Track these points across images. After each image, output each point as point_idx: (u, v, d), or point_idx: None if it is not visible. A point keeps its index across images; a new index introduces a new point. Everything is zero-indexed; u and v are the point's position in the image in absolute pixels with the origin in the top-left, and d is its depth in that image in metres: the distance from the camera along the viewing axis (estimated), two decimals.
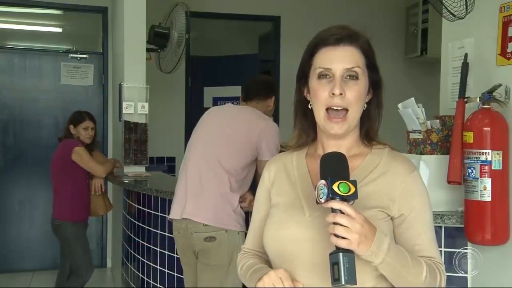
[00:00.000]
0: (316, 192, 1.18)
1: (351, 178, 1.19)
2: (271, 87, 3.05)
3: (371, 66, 1.37)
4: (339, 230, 1.14)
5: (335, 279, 1.13)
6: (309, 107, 1.39)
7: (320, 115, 1.34)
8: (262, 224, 1.43)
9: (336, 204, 1.15)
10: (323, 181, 1.17)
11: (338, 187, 1.15)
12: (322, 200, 1.17)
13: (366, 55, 1.36)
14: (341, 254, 1.14)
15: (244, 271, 1.45)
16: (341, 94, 1.30)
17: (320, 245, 1.25)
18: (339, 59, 1.32)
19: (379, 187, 1.32)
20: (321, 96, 1.32)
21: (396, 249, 1.24)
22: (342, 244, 1.14)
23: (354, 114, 1.33)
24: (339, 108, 1.31)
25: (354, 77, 1.32)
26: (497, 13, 2.19)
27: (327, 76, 1.33)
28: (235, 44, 6.84)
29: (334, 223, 1.15)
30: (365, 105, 1.37)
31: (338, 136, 1.35)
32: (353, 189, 1.16)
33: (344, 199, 1.16)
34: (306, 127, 1.44)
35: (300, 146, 1.47)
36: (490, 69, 2.23)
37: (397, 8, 6.48)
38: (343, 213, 1.15)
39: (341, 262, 1.13)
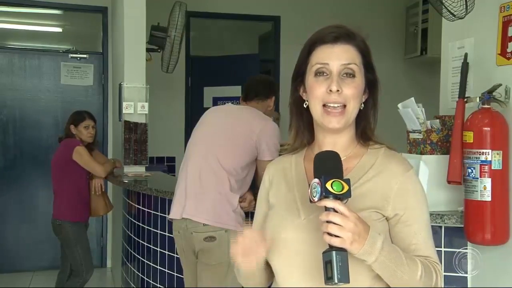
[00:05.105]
0: (309, 191, 1.18)
1: (345, 178, 1.18)
2: (271, 87, 3.05)
3: (368, 65, 1.38)
4: (332, 229, 1.14)
5: (328, 278, 1.13)
6: (305, 106, 1.39)
7: (317, 110, 1.34)
8: (262, 227, 1.44)
9: (329, 203, 1.15)
10: (316, 180, 1.17)
11: (331, 185, 1.15)
12: (316, 199, 1.16)
13: (362, 53, 1.37)
14: (334, 252, 1.13)
15: (236, 271, 1.46)
16: (338, 90, 1.30)
17: (315, 247, 1.25)
18: (336, 56, 1.33)
19: (374, 187, 1.32)
20: (318, 93, 1.33)
21: (390, 248, 1.23)
22: (335, 242, 1.14)
23: (352, 109, 1.33)
24: (336, 105, 1.31)
25: (350, 74, 1.33)
26: (497, 13, 2.19)
27: (324, 74, 1.33)
28: (235, 44, 6.84)
29: (328, 222, 1.15)
30: (362, 105, 1.37)
31: (336, 130, 1.35)
32: (346, 188, 1.16)
33: (337, 197, 1.15)
34: (302, 128, 1.44)
35: (297, 148, 1.47)
36: (490, 69, 2.23)
37: (397, 8, 6.48)
38: (336, 211, 1.15)
39: (334, 261, 1.12)
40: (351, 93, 1.32)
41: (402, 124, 2.45)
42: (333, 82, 1.31)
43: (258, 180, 2.76)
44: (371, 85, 1.39)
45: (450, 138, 2.25)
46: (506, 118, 2.10)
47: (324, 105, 1.33)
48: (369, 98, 1.40)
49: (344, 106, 1.32)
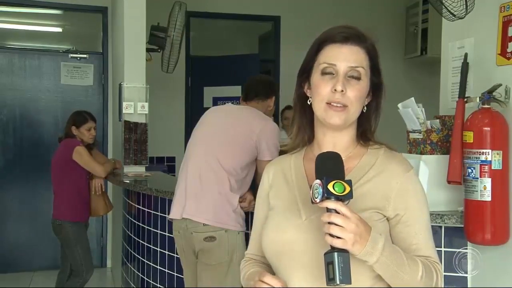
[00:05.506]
0: (311, 192, 1.18)
1: (346, 179, 1.19)
2: (271, 87, 3.05)
3: (374, 69, 1.38)
4: (334, 230, 1.15)
5: (330, 279, 1.13)
6: (308, 103, 1.39)
7: (320, 107, 1.34)
8: (263, 228, 1.43)
9: (331, 204, 1.16)
10: (318, 181, 1.17)
11: (333, 186, 1.15)
12: (317, 200, 1.17)
13: (370, 56, 1.37)
14: (336, 253, 1.13)
15: (246, 280, 1.45)
16: (342, 91, 1.31)
17: (317, 247, 1.25)
18: (345, 57, 1.33)
19: (375, 187, 1.33)
20: (322, 91, 1.33)
21: (391, 248, 1.24)
22: (337, 243, 1.14)
23: (353, 111, 1.34)
24: (338, 105, 1.32)
25: (356, 77, 1.33)
26: (497, 13, 2.19)
27: (331, 73, 1.33)
28: (235, 44, 6.84)
29: (329, 223, 1.15)
30: (365, 107, 1.38)
31: (336, 127, 1.35)
32: (348, 189, 1.16)
33: (339, 198, 1.16)
34: (304, 124, 1.44)
35: (297, 146, 1.47)
36: (490, 69, 2.23)
37: (397, 8, 6.49)
38: (338, 212, 1.15)
39: (336, 262, 1.13)
40: (354, 95, 1.32)
41: (402, 124, 2.45)
42: (339, 82, 1.31)
43: (258, 180, 2.76)
44: (375, 88, 1.39)
45: (450, 138, 2.25)
46: (506, 118, 2.10)
47: (327, 103, 1.33)
48: (372, 101, 1.40)
49: (346, 106, 1.32)
